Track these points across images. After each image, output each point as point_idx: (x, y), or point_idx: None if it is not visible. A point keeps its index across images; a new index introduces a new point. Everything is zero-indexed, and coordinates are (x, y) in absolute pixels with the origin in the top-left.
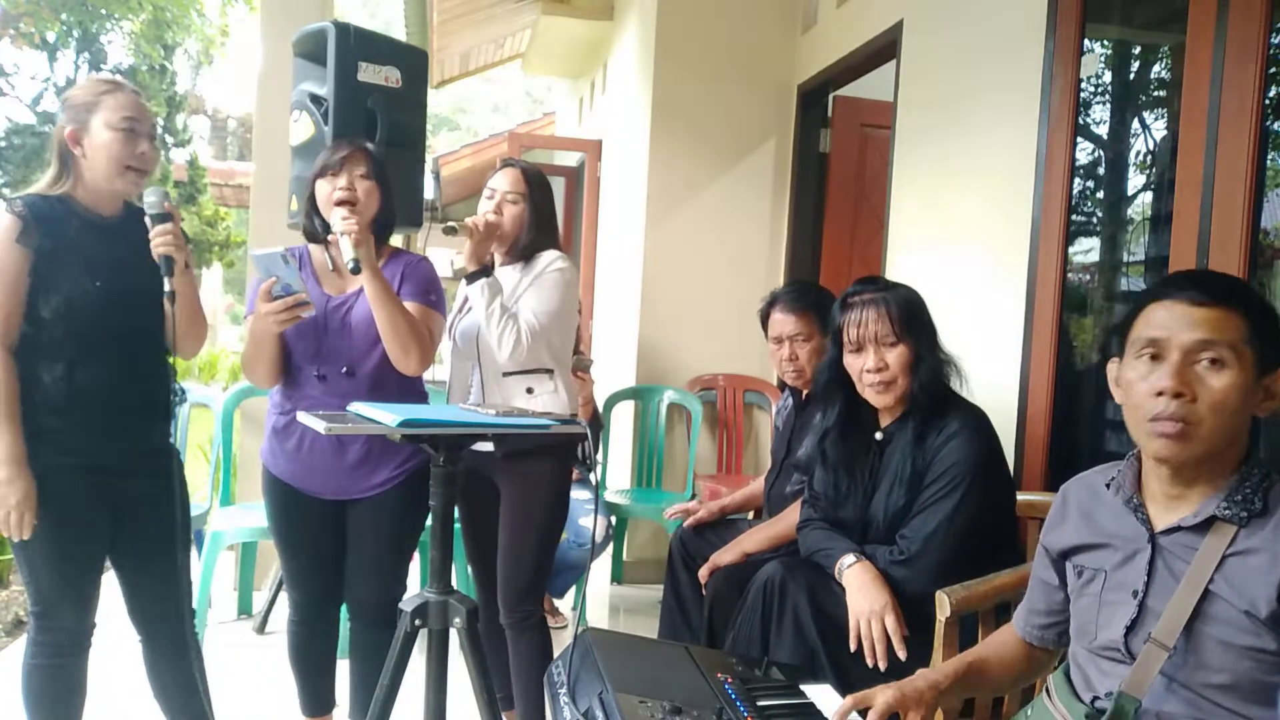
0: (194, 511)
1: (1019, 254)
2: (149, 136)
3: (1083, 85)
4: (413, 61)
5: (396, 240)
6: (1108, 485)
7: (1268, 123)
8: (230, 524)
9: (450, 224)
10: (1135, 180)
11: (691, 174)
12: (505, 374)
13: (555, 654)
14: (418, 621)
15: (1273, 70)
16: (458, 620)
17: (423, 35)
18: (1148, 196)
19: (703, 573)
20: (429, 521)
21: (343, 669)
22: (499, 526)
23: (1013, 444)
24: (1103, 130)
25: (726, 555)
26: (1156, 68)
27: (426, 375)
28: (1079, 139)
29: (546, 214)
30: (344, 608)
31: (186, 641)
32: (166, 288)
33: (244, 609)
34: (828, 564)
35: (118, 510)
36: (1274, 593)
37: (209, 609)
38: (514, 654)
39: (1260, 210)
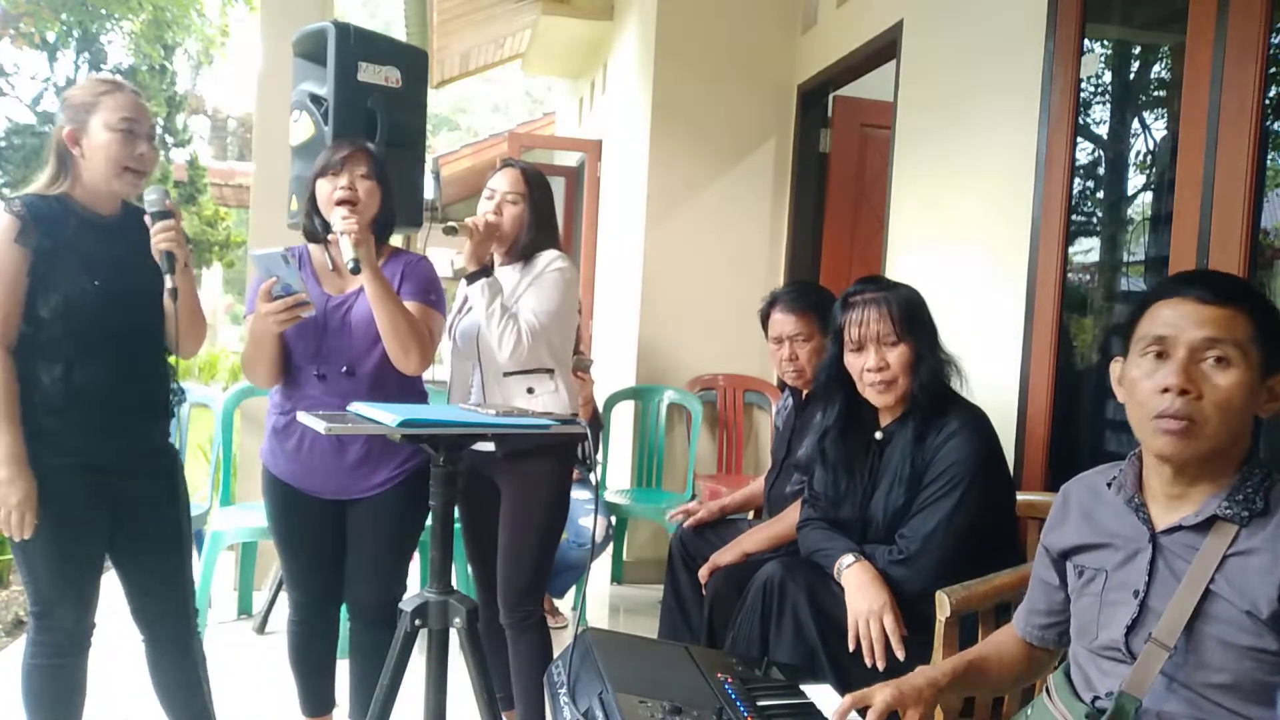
0: (194, 511)
1: (1019, 254)
2: (147, 138)
3: (1083, 85)
4: (413, 61)
5: (396, 240)
6: (1109, 485)
7: (1268, 123)
8: (230, 524)
9: (450, 224)
10: (1135, 180)
11: (691, 174)
12: (506, 374)
13: (555, 654)
14: (418, 621)
15: (1273, 70)
16: (458, 620)
17: (423, 35)
18: (1148, 196)
19: (703, 573)
20: (429, 521)
21: (343, 669)
22: (499, 526)
23: (1013, 444)
24: (1103, 130)
25: (726, 555)
26: (1156, 68)
27: (426, 375)
28: (1079, 139)
29: (546, 214)
30: (344, 608)
31: (189, 641)
32: (169, 284)
33: (244, 609)
34: (827, 564)
35: (117, 510)
36: (1275, 593)
37: (209, 609)
38: (514, 654)
39: (1260, 210)
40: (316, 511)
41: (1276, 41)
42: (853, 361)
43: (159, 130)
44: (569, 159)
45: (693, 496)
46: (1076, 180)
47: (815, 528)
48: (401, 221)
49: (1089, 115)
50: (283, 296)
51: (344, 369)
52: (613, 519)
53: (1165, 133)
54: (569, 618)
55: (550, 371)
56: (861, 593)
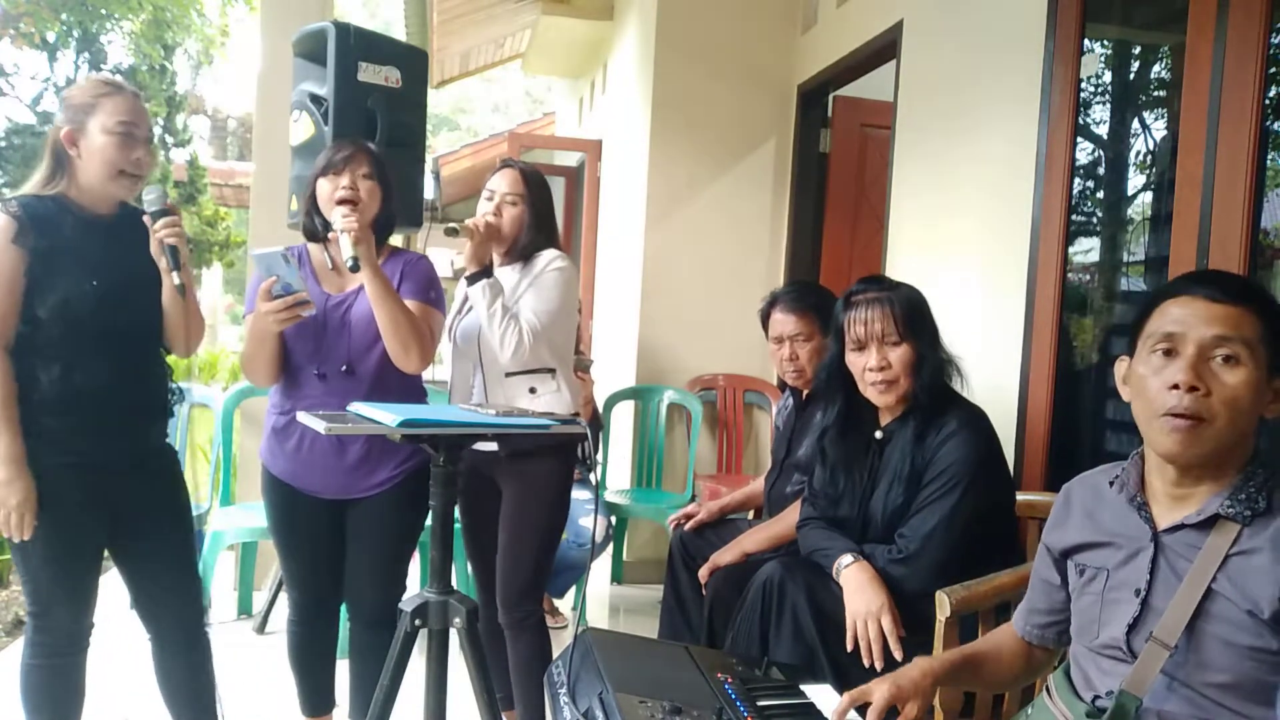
0: (194, 511)
1: (1019, 254)
2: (145, 141)
3: (1083, 85)
4: (413, 61)
5: (396, 240)
6: (1111, 484)
7: (1268, 123)
8: (230, 524)
9: (451, 225)
10: (1135, 180)
11: (692, 174)
12: (508, 374)
13: (555, 654)
14: (418, 621)
15: (1273, 70)
16: (458, 620)
17: (423, 35)
18: (1148, 196)
19: (703, 573)
20: (429, 521)
21: (343, 669)
22: (499, 526)
23: (1013, 444)
24: (1103, 130)
25: (726, 555)
26: (1156, 67)
27: (426, 376)
28: (1079, 139)
29: (545, 214)
30: (344, 608)
31: (199, 637)
32: (176, 280)
33: (244, 609)
34: (826, 563)
35: (116, 510)
36: (1276, 592)
37: (209, 609)
38: (514, 654)
39: (1260, 210)
40: (316, 511)
41: (1276, 41)
42: (854, 361)
43: (159, 130)
44: (569, 159)
45: (693, 497)
46: (1076, 180)
47: (815, 527)
48: (401, 221)
49: (1089, 115)
50: (283, 295)
51: (344, 368)
52: (613, 519)
53: (1165, 132)
54: (569, 618)
55: (552, 371)
56: (860, 593)
